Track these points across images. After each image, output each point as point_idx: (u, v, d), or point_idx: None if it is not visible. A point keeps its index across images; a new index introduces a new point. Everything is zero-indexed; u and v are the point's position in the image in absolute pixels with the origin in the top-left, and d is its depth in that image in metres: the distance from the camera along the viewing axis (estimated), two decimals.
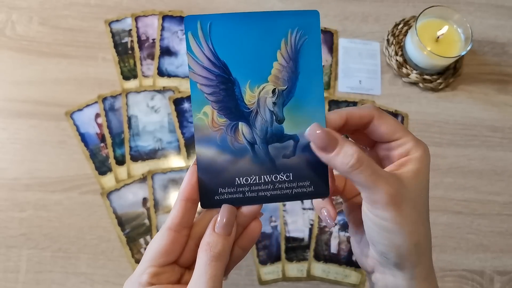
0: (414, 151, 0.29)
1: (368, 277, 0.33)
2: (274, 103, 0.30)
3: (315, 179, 0.30)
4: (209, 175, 0.29)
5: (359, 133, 0.32)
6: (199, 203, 0.30)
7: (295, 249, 0.58)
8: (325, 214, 0.32)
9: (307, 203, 0.59)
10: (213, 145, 0.29)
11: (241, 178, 0.30)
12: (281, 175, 0.30)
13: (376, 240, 0.29)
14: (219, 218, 0.28)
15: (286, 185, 0.30)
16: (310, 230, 0.58)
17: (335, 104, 0.65)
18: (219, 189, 0.30)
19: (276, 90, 0.29)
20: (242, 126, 0.30)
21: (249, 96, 0.29)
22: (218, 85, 0.29)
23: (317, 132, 0.27)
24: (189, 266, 0.30)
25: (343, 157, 0.27)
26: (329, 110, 0.64)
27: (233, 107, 0.29)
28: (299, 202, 0.59)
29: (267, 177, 0.30)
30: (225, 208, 0.29)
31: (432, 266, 0.31)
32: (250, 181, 0.30)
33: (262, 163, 0.30)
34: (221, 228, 0.28)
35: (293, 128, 0.30)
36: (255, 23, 0.29)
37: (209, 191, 0.30)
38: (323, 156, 0.28)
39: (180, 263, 0.30)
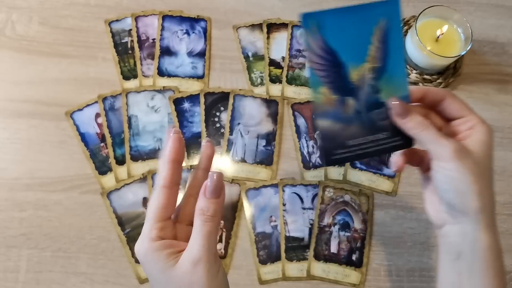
0: (479, 126, 0.36)
1: (439, 233, 0.38)
2: (373, 78, 0.37)
3: (404, 135, 0.38)
4: (327, 141, 0.38)
5: (433, 111, 0.38)
6: (324, 162, 0.38)
7: (295, 248, 0.58)
8: (395, 162, 0.40)
9: (307, 203, 0.59)
10: (329, 118, 0.38)
11: (351, 141, 0.38)
12: (381, 134, 0.39)
13: (444, 189, 0.35)
14: (208, 184, 0.33)
15: (384, 141, 0.39)
16: (310, 229, 0.58)
17: None
18: (336, 151, 0.38)
19: (374, 68, 0.37)
20: (350, 100, 0.37)
21: (354, 75, 0.37)
22: (330, 69, 0.37)
23: (396, 103, 0.36)
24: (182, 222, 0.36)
25: (414, 122, 0.35)
26: None
27: (342, 86, 0.37)
28: (299, 202, 0.59)
29: (371, 137, 0.39)
30: (211, 175, 0.33)
31: (494, 223, 0.36)
32: (359, 141, 0.38)
33: (366, 127, 0.38)
34: (210, 194, 0.33)
35: (387, 97, 0.38)
36: (354, 16, 0.36)
37: (329, 153, 0.38)
38: (399, 121, 0.36)
39: (179, 220, 0.36)
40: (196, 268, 0.31)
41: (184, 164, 0.60)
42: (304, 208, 0.59)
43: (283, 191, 0.60)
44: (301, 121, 0.64)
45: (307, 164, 0.62)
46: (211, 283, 0.32)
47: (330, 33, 0.36)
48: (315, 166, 0.62)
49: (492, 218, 0.35)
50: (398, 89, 0.38)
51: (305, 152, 0.63)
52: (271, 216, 0.59)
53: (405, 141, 0.39)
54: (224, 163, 0.61)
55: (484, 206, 0.34)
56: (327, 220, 0.59)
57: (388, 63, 0.37)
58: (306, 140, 0.63)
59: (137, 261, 0.56)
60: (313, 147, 0.63)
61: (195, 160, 0.61)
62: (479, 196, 0.34)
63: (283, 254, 0.57)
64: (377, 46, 0.37)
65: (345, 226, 0.59)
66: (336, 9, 0.35)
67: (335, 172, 0.61)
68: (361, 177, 0.62)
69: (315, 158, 0.62)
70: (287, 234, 0.58)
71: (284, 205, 0.59)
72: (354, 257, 0.58)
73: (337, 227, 0.59)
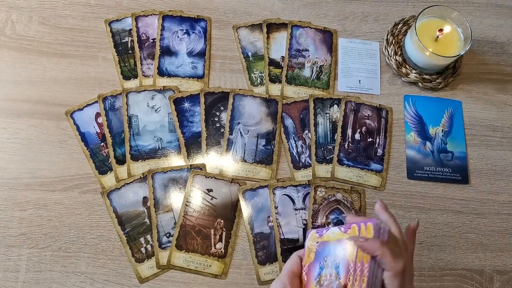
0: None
1: None
2: (442, 135, 0.64)
3: (462, 173, 0.63)
4: (412, 163, 0.63)
5: None
6: (408, 176, 0.62)
7: (291, 250, 0.57)
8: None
9: (298, 203, 0.59)
10: (414, 150, 0.63)
11: (426, 167, 0.63)
12: (446, 169, 0.63)
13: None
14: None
15: (447, 174, 0.63)
16: (304, 230, 0.58)
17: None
18: (417, 171, 0.62)
19: (443, 130, 0.64)
20: (428, 143, 0.64)
21: (431, 131, 0.65)
22: (417, 125, 0.65)
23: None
24: None
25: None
26: (315, 107, 0.64)
27: (424, 132, 0.64)
28: (290, 203, 0.59)
29: (439, 168, 0.63)
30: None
31: None
32: (431, 169, 0.63)
33: (437, 162, 0.63)
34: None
35: (451, 148, 0.64)
36: (435, 102, 0.66)
37: (412, 171, 0.63)
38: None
39: None
40: None
41: (183, 163, 0.61)
42: (296, 209, 0.59)
43: (274, 193, 0.60)
44: (289, 122, 0.64)
45: (297, 164, 0.62)
46: None
47: (418, 106, 0.65)
48: (305, 166, 0.62)
49: None
50: (458, 146, 0.64)
51: (294, 153, 0.63)
52: (268, 217, 0.59)
53: (462, 178, 0.63)
54: (224, 162, 0.61)
55: None
56: (320, 220, 0.59)
57: (452, 130, 0.65)
58: (295, 141, 0.63)
59: (137, 261, 0.56)
60: (302, 147, 0.63)
61: (195, 160, 0.61)
62: None
63: (279, 257, 0.57)
64: (446, 119, 0.65)
65: (338, 224, 0.59)
66: (425, 96, 0.66)
67: (322, 170, 0.62)
68: (349, 173, 0.62)
69: (305, 157, 0.62)
70: (282, 237, 0.58)
71: (276, 207, 0.59)
72: None
73: (330, 225, 0.59)
